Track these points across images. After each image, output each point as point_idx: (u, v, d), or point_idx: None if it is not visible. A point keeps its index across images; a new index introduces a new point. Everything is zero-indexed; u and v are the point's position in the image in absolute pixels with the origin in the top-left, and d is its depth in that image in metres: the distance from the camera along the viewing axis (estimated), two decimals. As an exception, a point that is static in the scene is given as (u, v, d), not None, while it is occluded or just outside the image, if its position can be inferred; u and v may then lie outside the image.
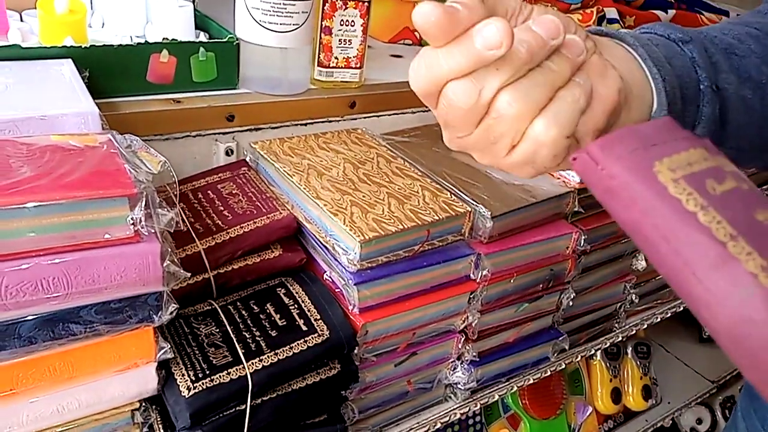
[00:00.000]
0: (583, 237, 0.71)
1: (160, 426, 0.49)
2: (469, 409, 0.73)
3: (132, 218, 0.39)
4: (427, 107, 0.84)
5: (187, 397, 0.46)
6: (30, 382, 0.41)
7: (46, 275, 0.38)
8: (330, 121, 0.73)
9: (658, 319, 0.94)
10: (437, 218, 0.59)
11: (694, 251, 0.24)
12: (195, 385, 0.47)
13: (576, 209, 0.71)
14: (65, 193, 0.38)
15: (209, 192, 0.61)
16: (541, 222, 0.69)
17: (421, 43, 0.98)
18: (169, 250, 0.41)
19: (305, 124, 0.71)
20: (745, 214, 0.25)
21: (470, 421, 1.00)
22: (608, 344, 0.89)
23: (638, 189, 0.25)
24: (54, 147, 0.42)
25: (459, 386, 0.70)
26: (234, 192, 0.61)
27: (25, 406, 0.42)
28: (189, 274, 0.43)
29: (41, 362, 0.41)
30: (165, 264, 0.41)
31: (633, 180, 0.25)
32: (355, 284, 0.55)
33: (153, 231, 0.40)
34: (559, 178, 0.71)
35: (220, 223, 0.57)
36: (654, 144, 0.26)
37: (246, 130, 0.67)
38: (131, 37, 0.65)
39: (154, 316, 0.43)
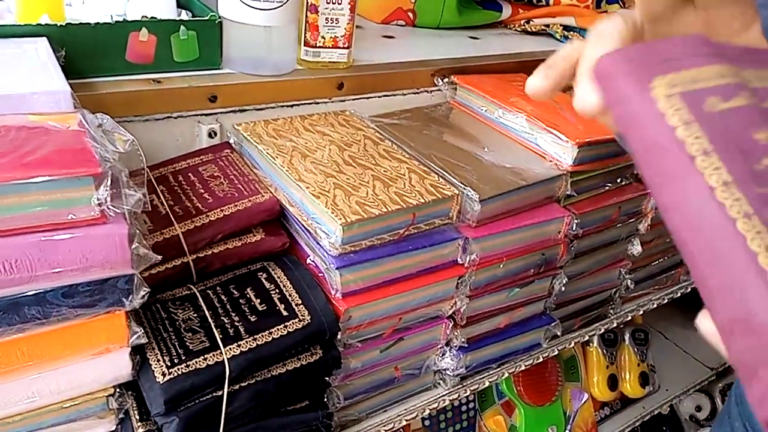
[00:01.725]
0: (575, 221, 0.70)
1: (136, 412, 0.48)
2: (459, 396, 0.72)
3: (97, 198, 0.38)
4: (418, 89, 0.82)
5: (161, 383, 0.45)
6: (-4, 366, 0.40)
7: (8, 257, 0.36)
8: (317, 103, 0.72)
9: (655, 305, 0.93)
10: (423, 201, 0.58)
11: (665, 163, 0.25)
12: (170, 370, 0.46)
13: (568, 193, 0.69)
14: (26, 173, 0.36)
15: (190, 174, 0.59)
16: (532, 205, 0.68)
17: (414, 24, 0.96)
18: (138, 231, 0.40)
19: (291, 106, 0.70)
20: (737, 132, 0.25)
21: (464, 408, 0.99)
22: (603, 330, 0.88)
23: (631, 102, 0.26)
24: (19, 126, 0.41)
25: (448, 372, 0.69)
26: (216, 174, 0.60)
27: (-7, 391, 0.41)
28: (159, 257, 0.42)
29: (7, 346, 0.40)
30: (133, 246, 0.40)
31: (629, 93, 0.26)
32: (336, 268, 0.54)
33: (120, 212, 0.39)
34: (551, 161, 0.69)
35: (200, 206, 0.56)
36: (667, 59, 0.27)
37: (230, 112, 0.65)
38: (111, 15, 0.64)
39: (125, 300, 0.42)
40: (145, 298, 0.43)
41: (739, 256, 0.22)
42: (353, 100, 0.74)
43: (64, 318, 0.41)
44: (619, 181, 0.76)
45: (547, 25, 0.98)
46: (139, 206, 0.40)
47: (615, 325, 0.89)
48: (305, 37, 0.69)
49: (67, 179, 0.37)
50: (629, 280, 0.85)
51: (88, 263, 0.39)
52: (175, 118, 0.62)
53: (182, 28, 0.61)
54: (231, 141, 0.65)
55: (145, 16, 0.61)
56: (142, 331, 0.44)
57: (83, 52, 0.58)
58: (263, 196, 0.58)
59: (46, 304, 0.39)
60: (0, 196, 0.36)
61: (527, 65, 0.89)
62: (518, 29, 1.01)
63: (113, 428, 0.48)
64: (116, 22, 0.58)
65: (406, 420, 0.69)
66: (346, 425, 0.65)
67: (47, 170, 0.37)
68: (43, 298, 0.39)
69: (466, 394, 0.73)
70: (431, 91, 0.80)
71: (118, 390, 0.47)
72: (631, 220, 0.79)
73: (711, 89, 0.26)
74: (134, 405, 0.48)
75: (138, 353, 0.47)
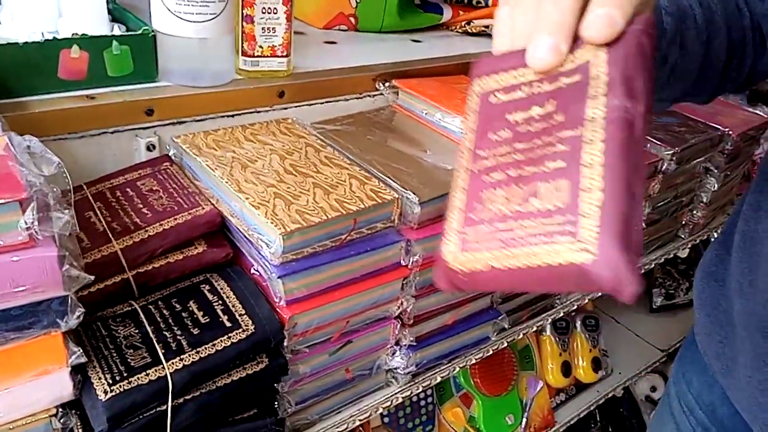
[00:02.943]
0: (515, 218, 0.72)
1: (81, 430, 0.48)
2: (412, 393, 0.74)
3: (24, 222, 0.38)
4: (360, 94, 0.86)
5: (104, 400, 0.46)
6: (-71, 396, 0.40)
7: (-67, 287, 0.36)
8: (258, 112, 0.72)
9: (599, 294, 0.96)
10: (363, 207, 0.59)
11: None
12: (112, 388, 0.46)
13: (507, 191, 0.71)
14: (-51, 201, 0.36)
15: (128, 189, 0.59)
16: (473, 205, 0.70)
17: (357, 28, 0.97)
18: (68, 253, 0.40)
19: (232, 116, 0.70)
20: (498, 114, 0.35)
21: (422, 402, 1.01)
22: (550, 320, 0.91)
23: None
24: (-60, 153, 0.40)
25: (399, 371, 0.71)
26: (155, 188, 0.60)
27: (-73, 420, 0.40)
28: (92, 278, 0.43)
29: (-61, 375, 0.40)
30: (64, 268, 0.40)
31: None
32: (279, 277, 0.55)
33: (49, 235, 0.39)
34: (489, 161, 0.71)
35: (138, 221, 0.56)
36: (494, 67, 0.36)
37: (168, 124, 0.65)
38: (42, 32, 0.63)
39: (60, 321, 0.42)
40: (81, 318, 0.43)
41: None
42: (295, 107, 0.75)
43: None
44: (557, 176, 0.79)
45: (487, 26, 1.00)
46: (68, 228, 0.40)
47: (561, 314, 0.92)
48: (242, 47, 0.70)
49: (-9, 206, 0.37)
50: (573, 271, 0.87)
51: (19, 287, 0.39)
52: (112, 133, 0.62)
53: (115, 43, 0.61)
54: (170, 153, 0.66)
55: (77, 33, 0.60)
56: (81, 350, 0.45)
57: (13, 72, 0.57)
58: (204, 208, 0.58)
59: (-23, 330, 0.39)
60: None
61: (469, 67, 0.91)
62: (459, 31, 1.04)
63: (58, 448, 0.48)
64: (46, 40, 0.58)
65: (360, 420, 0.70)
66: (300, 429, 0.66)
67: (-31, 198, 0.37)
68: (-26, 325, 0.39)
69: (418, 391, 0.75)
70: (374, 96, 0.82)
71: (61, 410, 0.47)
72: (570, 214, 0.81)
73: (503, 88, 0.35)
74: (78, 423, 0.48)
75: (79, 372, 0.47)
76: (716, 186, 1.05)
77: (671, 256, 1.09)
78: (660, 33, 0.46)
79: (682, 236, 1.10)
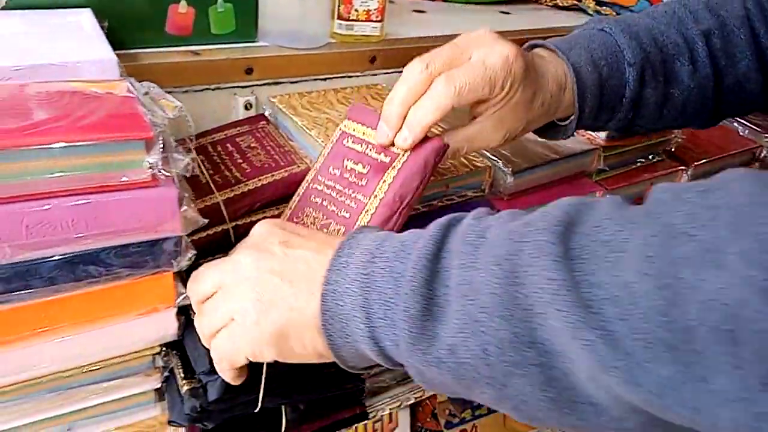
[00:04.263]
0: (607, 196, 0.70)
1: (181, 370, 0.50)
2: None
3: (149, 162, 0.39)
4: None
5: (206, 342, 0.47)
6: (52, 322, 0.42)
7: (65, 217, 0.38)
8: (350, 77, 0.72)
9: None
10: (456, 173, 0.58)
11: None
12: (214, 331, 0.48)
13: (601, 167, 0.69)
14: (83, 135, 0.38)
15: (228, 145, 0.61)
16: (565, 180, 0.68)
17: (445, -1, 0.96)
18: (186, 195, 0.41)
19: (325, 79, 0.70)
20: (337, 157, 0.50)
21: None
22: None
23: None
24: (71, 92, 0.42)
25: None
26: (252, 145, 0.61)
27: (48, 346, 0.43)
28: (206, 221, 0.44)
29: (63, 303, 0.42)
30: (182, 209, 0.41)
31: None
32: (372, 237, 0.55)
33: (170, 175, 0.40)
34: (584, 136, 0.69)
35: (238, 175, 0.57)
36: (360, 117, 0.50)
37: (265, 84, 0.66)
38: (150, -12, 0.65)
39: (173, 261, 0.43)
40: (192, 260, 0.44)
41: None
42: (385, 74, 0.75)
43: (116, 277, 0.42)
44: (651, 157, 0.76)
45: (580, 0, 0.97)
46: (188, 170, 0.41)
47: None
48: (339, 10, 0.70)
49: (120, 143, 0.38)
50: (658, 257, 0.84)
51: (140, 224, 0.40)
52: (213, 89, 0.63)
53: (219, 0, 0.62)
54: (266, 113, 0.67)
55: (184, -11, 0.62)
56: (188, 292, 0.46)
57: (124, 24, 0.59)
58: (299, 166, 0.59)
59: (99, 262, 0.41)
60: (59, 157, 0.37)
61: (558, 40, 0.88)
62: (549, 4, 1.01)
63: (158, 386, 0.50)
64: (156, -7, 0.59)
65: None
66: (377, 392, 0.66)
67: (103, 133, 0.38)
68: (96, 257, 0.41)
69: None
70: (462, 66, 0.80)
71: (163, 349, 0.49)
72: (661, 197, 0.78)
73: (354, 137, 0.50)
74: (179, 364, 0.50)
75: (183, 314, 0.48)
76: (815, 179, 0.98)
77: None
78: (620, 84, 0.51)
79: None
